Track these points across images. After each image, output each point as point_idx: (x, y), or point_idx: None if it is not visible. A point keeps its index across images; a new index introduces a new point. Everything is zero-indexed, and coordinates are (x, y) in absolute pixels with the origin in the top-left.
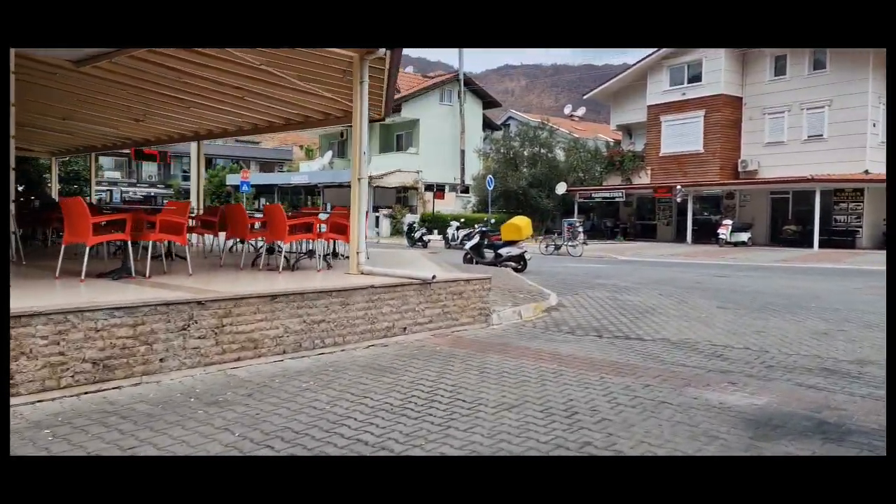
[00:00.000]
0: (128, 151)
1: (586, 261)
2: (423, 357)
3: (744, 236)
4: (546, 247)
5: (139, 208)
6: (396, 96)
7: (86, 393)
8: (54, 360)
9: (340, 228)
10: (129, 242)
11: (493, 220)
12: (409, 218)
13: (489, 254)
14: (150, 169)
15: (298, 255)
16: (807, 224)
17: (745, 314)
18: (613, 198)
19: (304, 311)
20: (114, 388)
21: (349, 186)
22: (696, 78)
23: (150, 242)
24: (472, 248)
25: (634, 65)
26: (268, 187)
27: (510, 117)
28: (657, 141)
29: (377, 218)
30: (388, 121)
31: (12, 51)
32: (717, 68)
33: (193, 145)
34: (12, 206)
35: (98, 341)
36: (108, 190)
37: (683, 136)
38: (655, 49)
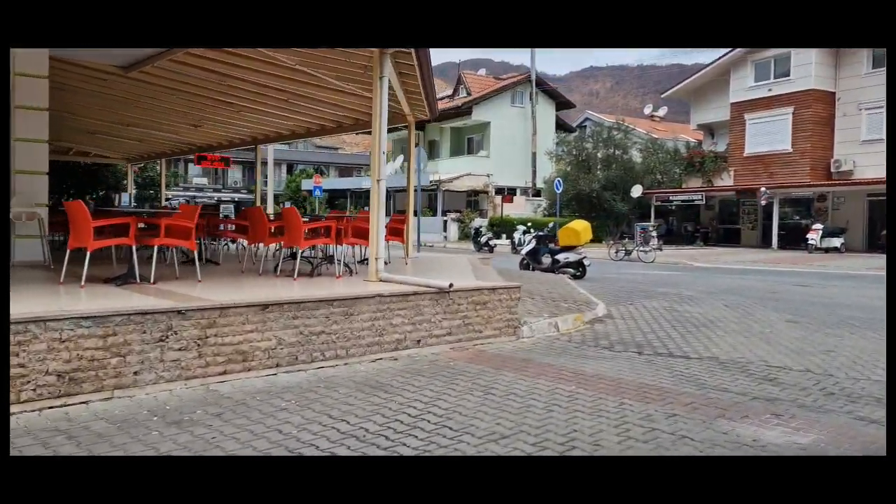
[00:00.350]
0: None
1: (657, 267)
2: (430, 374)
3: (836, 242)
4: (616, 252)
5: (143, 211)
6: (467, 99)
7: (49, 408)
8: (14, 373)
9: (362, 233)
10: (135, 247)
11: (550, 225)
12: (476, 222)
13: (546, 260)
14: (235, 175)
15: (319, 260)
16: None
17: (817, 330)
18: (692, 201)
19: (300, 321)
20: (81, 403)
21: (418, 191)
22: (783, 73)
23: (156, 247)
24: (528, 253)
25: (716, 61)
26: (341, 192)
27: (587, 118)
28: (741, 140)
29: (445, 222)
30: (458, 123)
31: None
32: (808, 62)
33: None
34: (44, 211)
35: (63, 353)
36: (192, 196)
37: (770, 134)
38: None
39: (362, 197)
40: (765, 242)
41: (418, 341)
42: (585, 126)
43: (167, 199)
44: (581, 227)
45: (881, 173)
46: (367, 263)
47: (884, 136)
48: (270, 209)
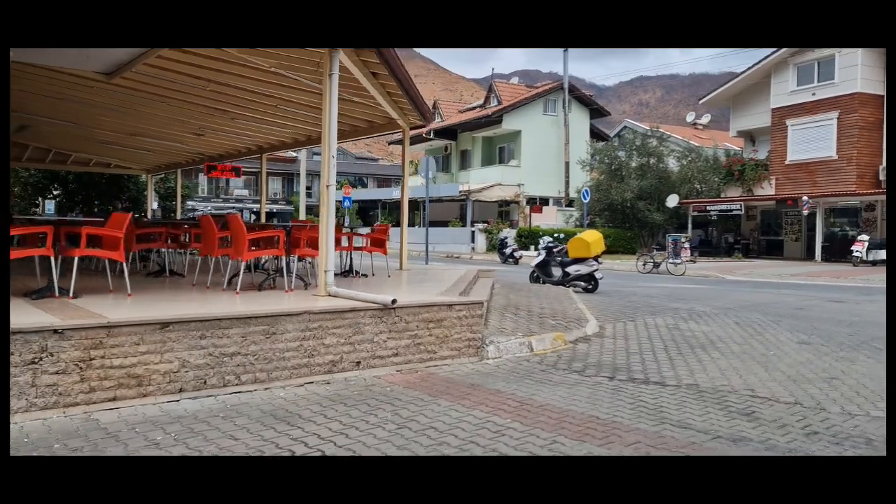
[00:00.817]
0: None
1: (685, 280)
2: (355, 401)
3: (884, 254)
4: (644, 265)
5: (65, 220)
6: (498, 107)
7: None
8: None
9: (314, 243)
10: (53, 258)
11: (560, 236)
12: (504, 233)
13: (557, 272)
14: (274, 186)
15: (271, 273)
16: None
17: (829, 353)
18: (731, 211)
19: (209, 341)
20: None
21: (448, 201)
22: (828, 76)
23: (76, 258)
24: (538, 265)
25: (756, 64)
26: (372, 203)
27: (625, 127)
28: (783, 147)
29: (472, 233)
30: (489, 133)
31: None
32: (853, 63)
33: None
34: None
35: None
36: (233, 206)
37: (813, 141)
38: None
39: (387, 208)
40: (809, 255)
41: (358, 363)
42: (623, 135)
43: (191, 211)
44: (592, 239)
45: None
46: (353, 275)
47: None
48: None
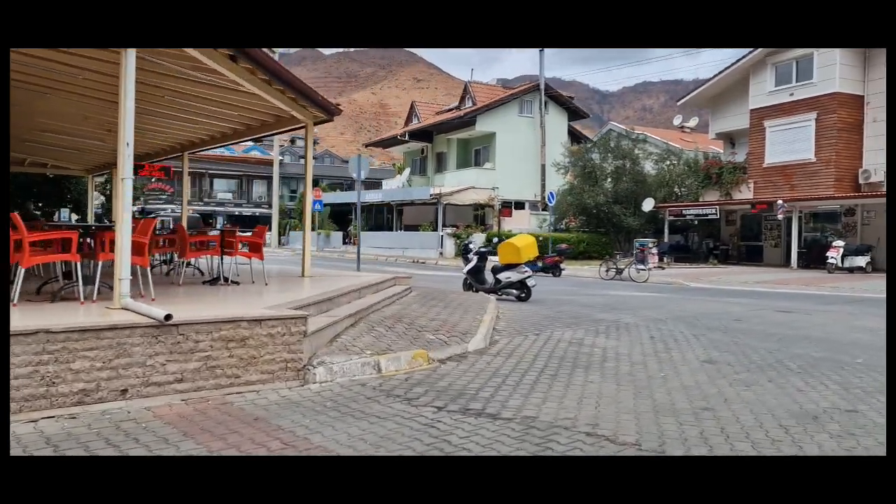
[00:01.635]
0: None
1: (644, 288)
2: (76, 443)
3: (860, 261)
4: (607, 271)
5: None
6: (472, 108)
7: None
8: None
9: (139, 248)
10: None
11: (495, 240)
12: (473, 237)
13: (490, 279)
14: (259, 189)
15: (63, 281)
16: None
17: (729, 374)
18: (706, 215)
19: None
20: None
21: (420, 204)
22: (806, 76)
23: None
24: (469, 272)
25: (734, 64)
26: (347, 206)
27: (610, 129)
28: (761, 150)
29: (441, 237)
30: (464, 135)
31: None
32: (832, 62)
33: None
34: None
35: None
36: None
37: (792, 142)
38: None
39: (367, 211)
40: (788, 261)
41: (124, 391)
42: (609, 138)
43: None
44: (522, 243)
45: None
46: (223, 282)
47: None
48: (275, 224)
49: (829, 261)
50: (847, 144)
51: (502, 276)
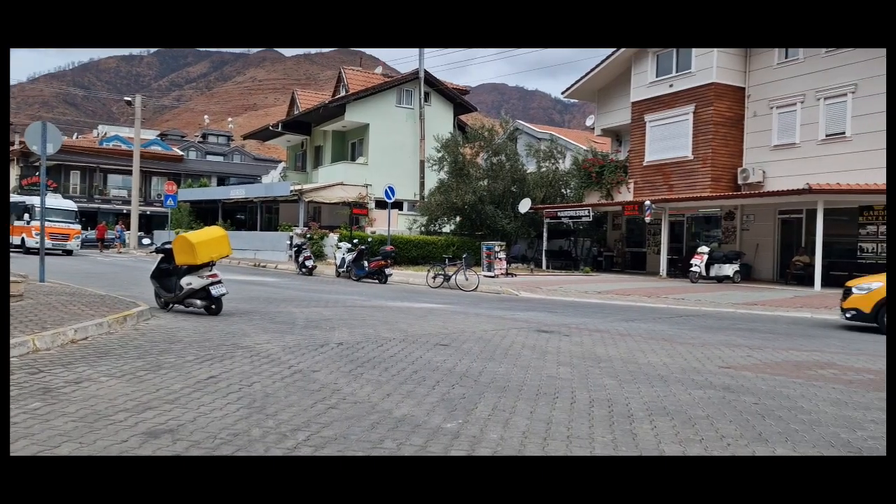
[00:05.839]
0: None
1: (457, 298)
2: None
3: (728, 269)
4: (434, 277)
5: None
6: (341, 97)
7: None
8: None
9: None
10: None
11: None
12: (330, 239)
13: (184, 284)
14: (158, 187)
15: None
16: (829, 255)
17: None
18: (580, 217)
19: None
20: None
21: (283, 201)
22: (685, 66)
23: None
24: (154, 276)
25: (616, 52)
26: (211, 203)
27: (516, 128)
28: (641, 147)
29: (291, 238)
30: (337, 126)
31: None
32: (709, 51)
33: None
34: None
35: None
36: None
37: (671, 138)
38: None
39: (246, 210)
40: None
41: None
42: (516, 137)
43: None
44: (200, 238)
45: (792, 184)
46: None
47: (797, 140)
48: (134, 222)
49: (692, 269)
50: (726, 141)
51: (184, 281)
